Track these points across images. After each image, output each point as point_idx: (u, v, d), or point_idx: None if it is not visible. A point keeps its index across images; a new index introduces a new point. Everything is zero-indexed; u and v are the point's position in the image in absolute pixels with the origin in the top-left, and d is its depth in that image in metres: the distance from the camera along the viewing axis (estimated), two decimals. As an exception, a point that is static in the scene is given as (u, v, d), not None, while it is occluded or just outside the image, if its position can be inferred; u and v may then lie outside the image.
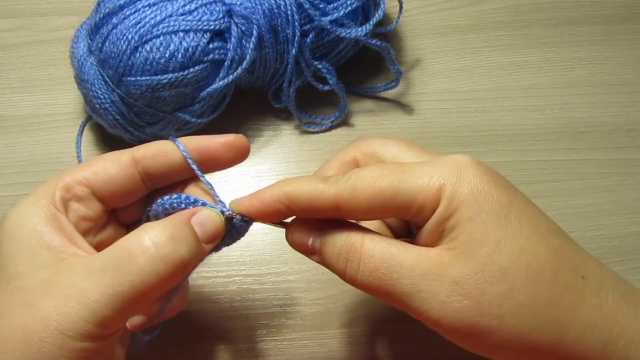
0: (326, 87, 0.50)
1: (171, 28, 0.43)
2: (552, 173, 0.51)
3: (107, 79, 0.44)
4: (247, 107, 0.52)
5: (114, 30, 0.43)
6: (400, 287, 0.28)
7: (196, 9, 0.44)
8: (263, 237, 0.47)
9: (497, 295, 0.27)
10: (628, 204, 0.50)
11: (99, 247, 0.30)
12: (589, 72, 0.56)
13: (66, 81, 0.52)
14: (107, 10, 0.44)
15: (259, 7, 0.45)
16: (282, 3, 0.45)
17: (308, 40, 0.47)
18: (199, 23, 0.43)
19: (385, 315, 0.44)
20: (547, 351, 0.28)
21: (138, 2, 0.44)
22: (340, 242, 0.30)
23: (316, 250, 0.31)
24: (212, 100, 0.47)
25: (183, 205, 0.31)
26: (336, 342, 0.43)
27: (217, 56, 0.44)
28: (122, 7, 0.44)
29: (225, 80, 0.45)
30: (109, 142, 0.50)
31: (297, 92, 0.50)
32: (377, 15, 0.48)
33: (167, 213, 0.32)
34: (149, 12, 0.43)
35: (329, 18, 0.46)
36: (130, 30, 0.43)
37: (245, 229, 0.33)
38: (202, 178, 0.33)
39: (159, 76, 0.43)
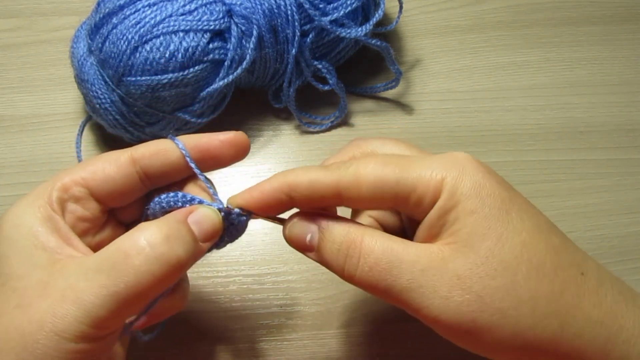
0: (326, 87, 0.50)
1: (171, 28, 0.43)
2: (552, 173, 0.51)
3: (107, 79, 0.44)
4: (247, 107, 0.52)
5: (114, 30, 0.43)
6: (400, 283, 0.28)
7: (196, 9, 0.44)
8: (263, 237, 0.47)
9: (499, 289, 0.27)
10: (628, 204, 0.50)
11: (98, 247, 0.30)
12: (589, 72, 0.56)
13: (66, 81, 0.52)
14: (107, 10, 0.44)
15: (259, 7, 0.45)
16: (282, 3, 0.45)
17: (308, 40, 0.47)
18: (199, 23, 0.43)
19: (385, 315, 0.44)
20: (547, 347, 0.28)
21: (138, 2, 0.44)
22: (340, 238, 0.30)
23: (314, 247, 0.31)
24: (212, 100, 0.47)
25: (180, 204, 0.31)
26: (336, 342, 0.43)
27: (217, 56, 0.44)
28: (122, 7, 0.44)
29: (225, 80, 0.45)
30: (109, 142, 0.50)
31: (297, 92, 0.50)
32: (377, 15, 0.48)
33: (164, 212, 0.32)
34: (149, 12, 0.43)
35: (329, 18, 0.46)
36: (130, 30, 0.43)
37: (244, 226, 0.32)
38: (200, 175, 0.33)
39: (159, 76, 0.43)
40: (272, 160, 0.51)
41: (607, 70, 0.57)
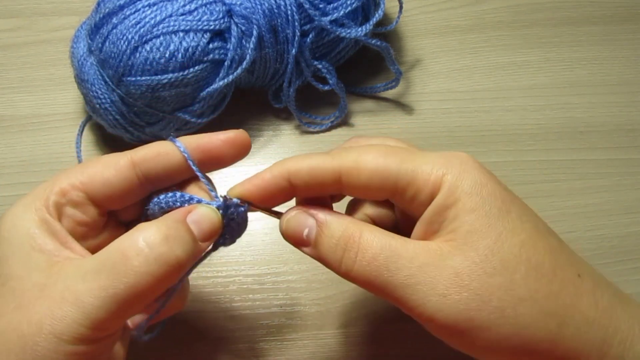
0: (326, 87, 0.50)
1: (171, 28, 0.43)
2: (552, 173, 0.51)
3: (107, 79, 0.44)
4: (247, 107, 0.52)
5: (114, 30, 0.43)
6: (397, 279, 0.28)
7: (196, 9, 0.44)
8: (263, 237, 0.47)
9: (497, 287, 0.27)
10: (628, 204, 0.50)
11: (99, 248, 0.30)
12: (589, 72, 0.56)
13: (66, 81, 0.52)
14: (107, 10, 0.44)
15: (259, 7, 0.45)
16: (282, 3, 0.45)
17: (308, 40, 0.47)
18: (199, 23, 0.43)
19: (385, 315, 0.44)
20: (544, 348, 0.28)
21: (138, 2, 0.44)
22: (338, 232, 0.30)
23: (310, 242, 0.31)
24: (212, 100, 0.47)
25: (178, 204, 0.31)
26: (336, 342, 0.43)
27: (217, 56, 0.44)
28: (122, 7, 0.44)
29: (225, 80, 0.45)
30: (109, 142, 0.50)
31: (297, 92, 0.50)
32: (377, 15, 0.48)
33: (163, 212, 0.31)
34: (149, 12, 0.43)
35: (329, 18, 0.46)
36: (130, 30, 0.43)
37: (244, 219, 0.32)
38: (202, 178, 0.32)
39: (159, 76, 0.43)
40: (272, 160, 0.51)
41: (607, 70, 0.57)
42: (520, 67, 0.56)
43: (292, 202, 0.33)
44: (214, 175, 0.34)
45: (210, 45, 0.44)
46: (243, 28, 0.45)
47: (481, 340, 0.28)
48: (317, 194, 0.32)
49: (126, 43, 0.43)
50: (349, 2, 0.47)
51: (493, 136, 0.53)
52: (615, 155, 0.52)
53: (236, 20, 0.45)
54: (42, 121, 0.51)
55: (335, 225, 0.30)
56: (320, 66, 0.49)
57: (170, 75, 0.43)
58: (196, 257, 0.30)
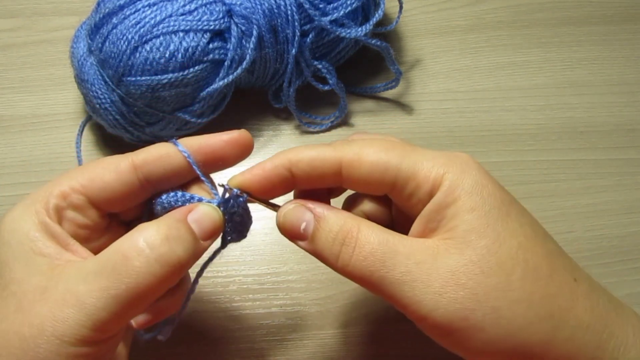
0: (326, 87, 0.50)
1: (171, 28, 0.43)
2: (552, 173, 0.51)
3: (107, 79, 0.44)
4: (247, 107, 0.52)
5: (114, 30, 0.43)
6: (394, 275, 0.28)
7: (196, 9, 0.44)
8: (263, 237, 0.47)
9: (494, 287, 0.27)
10: (628, 204, 0.50)
11: (101, 249, 0.29)
12: (589, 72, 0.56)
13: (66, 81, 0.52)
14: (107, 10, 0.44)
15: (259, 7, 0.45)
16: (282, 3, 0.45)
17: (308, 40, 0.47)
18: (199, 23, 0.43)
19: (385, 315, 0.44)
20: (538, 350, 0.27)
21: (138, 2, 0.44)
22: (337, 227, 0.30)
23: (307, 236, 0.31)
24: (212, 100, 0.47)
25: (179, 203, 0.31)
26: (336, 342, 0.43)
27: (217, 56, 0.44)
28: (122, 7, 0.44)
29: (225, 80, 0.45)
30: (109, 142, 0.50)
31: (297, 92, 0.50)
32: (377, 15, 0.48)
33: (165, 212, 0.31)
34: (149, 12, 0.43)
35: (329, 18, 0.46)
36: (130, 30, 0.43)
37: (247, 215, 0.32)
38: (205, 181, 0.32)
39: (159, 76, 0.43)
40: (272, 160, 0.51)
41: (607, 70, 0.57)
42: (520, 67, 0.56)
43: (290, 197, 0.33)
44: (214, 176, 0.34)
45: (210, 45, 0.44)
46: (243, 28, 0.45)
47: (475, 341, 0.27)
48: (317, 186, 0.32)
49: (126, 43, 0.43)
50: (349, 2, 0.47)
51: (493, 136, 0.53)
52: (615, 155, 0.52)
53: (236, 20, 0.45)
54: (42, 121, 0.51)
55: (334, 220, 0.30)
56: (320, 66, 0.49)
57: (170, 75, 0.43)
58: (198, 257, 0.30)
